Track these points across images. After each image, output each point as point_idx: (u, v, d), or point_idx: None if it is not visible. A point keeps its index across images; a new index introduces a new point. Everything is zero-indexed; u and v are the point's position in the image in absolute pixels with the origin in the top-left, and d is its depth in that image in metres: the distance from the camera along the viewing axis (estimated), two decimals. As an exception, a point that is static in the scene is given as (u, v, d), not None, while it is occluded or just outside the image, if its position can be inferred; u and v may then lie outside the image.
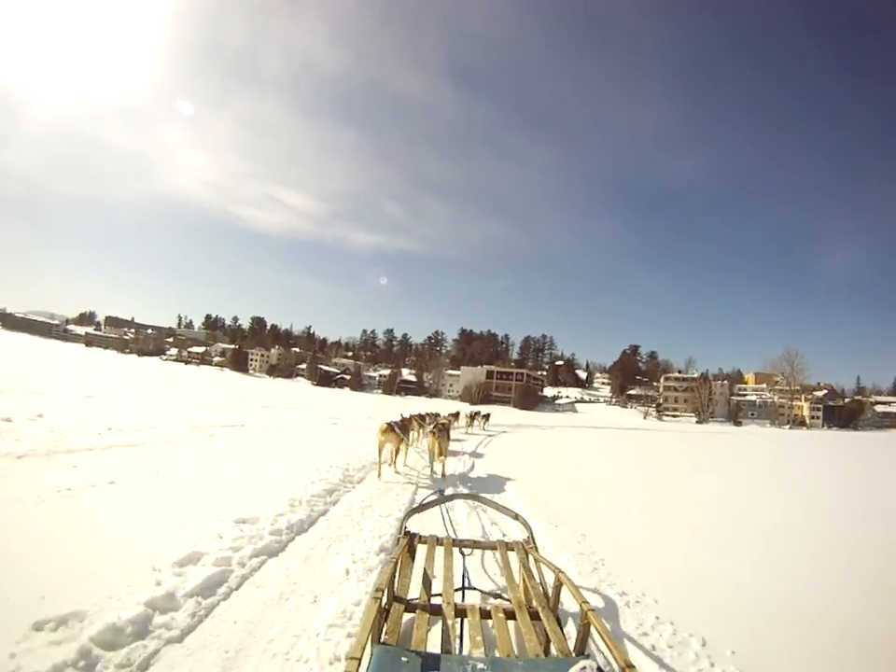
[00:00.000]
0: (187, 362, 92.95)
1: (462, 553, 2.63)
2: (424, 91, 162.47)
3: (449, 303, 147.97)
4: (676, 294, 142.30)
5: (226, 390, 27.58)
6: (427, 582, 2.15)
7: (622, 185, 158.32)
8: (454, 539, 2.72)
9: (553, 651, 1.69)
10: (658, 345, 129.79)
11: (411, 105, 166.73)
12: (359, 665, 1.21)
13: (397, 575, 2.10)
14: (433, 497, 3.15)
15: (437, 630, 1.86)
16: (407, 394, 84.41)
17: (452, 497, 3.30)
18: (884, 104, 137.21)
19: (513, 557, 2.56)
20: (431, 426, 7.40)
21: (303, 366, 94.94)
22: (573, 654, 1.61)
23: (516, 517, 2.87)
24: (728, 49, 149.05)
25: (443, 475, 6.65)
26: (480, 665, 1.41)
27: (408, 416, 8.08)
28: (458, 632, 1.86)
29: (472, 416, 18.94)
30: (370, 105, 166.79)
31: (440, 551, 2.56)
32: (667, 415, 75.74)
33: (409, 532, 2.64)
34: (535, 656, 1.65)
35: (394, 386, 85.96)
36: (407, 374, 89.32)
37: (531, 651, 1.69)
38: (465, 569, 2.49)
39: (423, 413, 10.68)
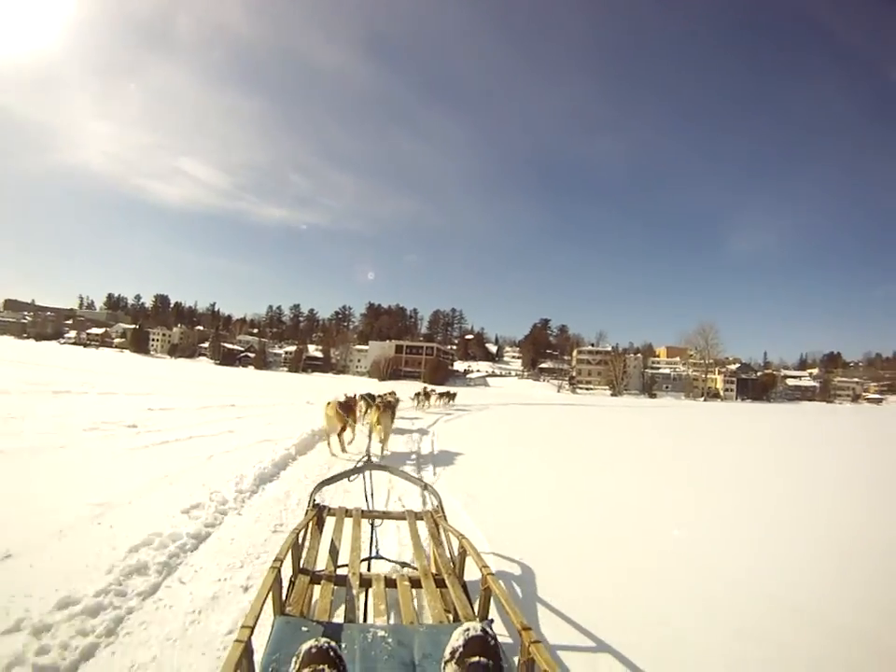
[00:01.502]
0: (85, 345, 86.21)
1: (371, 524, 2.61)
2: (337, 62, 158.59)
3: (357, 278, 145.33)
4: (587, 269, 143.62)
5: (110, 375, 20.80)
6: (333, 553, 2.16)
7: (535, 162, 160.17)
8: (363, 511, 2.73)
9: (460, 617, 1.68)
10: (569, 320, 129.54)
11: (323, 76, 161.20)
12: (251, 633, 1.18)
13: (305, 547, 2.15)
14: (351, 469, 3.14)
15: (342, 601, 1.85)
16: (313, 371, 79.08)
17: (361, 469, 3.11)
18: (794, 100, 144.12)
19: (423, 526, 2.60)
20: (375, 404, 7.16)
21: (206, 344, 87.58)
22: (476, 619, 1.63)
23: (425, 487, 2.93)
24: (647, 34, 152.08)
25: (384, 450, 6.59)
26: (381, 633, 1.42)
27: (352, 395, 7.51)
28: (364, 601, 1.88)
29: (428, 394, 17.59)
30: (281, 73, 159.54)
31: (350, 522, 2.58)
32: (581, 388, 73.42)
33: (317, 504, 2.63)
34: (439, 623, 1.65)
35: (300, 363, 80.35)
36: (313, 350, 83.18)
37: (436, 618, 1.70)
38: (373, 540, 2.50)
39: (373, 392, 9.62)
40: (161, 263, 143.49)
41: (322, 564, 2.09)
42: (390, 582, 1.99)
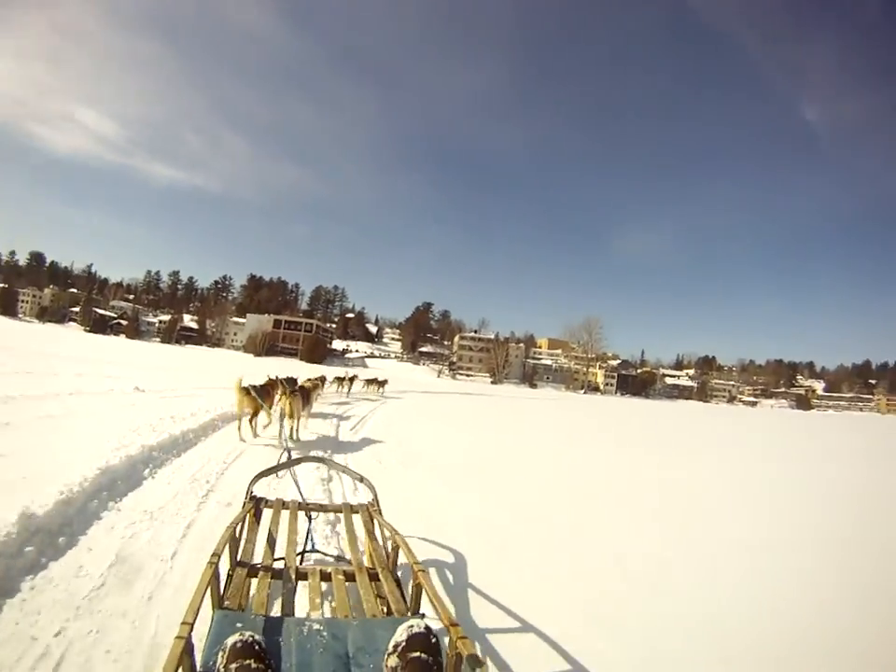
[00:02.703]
0: None
1: (308, 517, 2.61)
2: (247, 19, 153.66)
3: (240, 248, 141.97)
4: (472, 255, 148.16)
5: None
6: (270, 546, 2.15)
7: (430, 142, 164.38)
8: (299, 503, 2.73)
9: (393, 611, 1.72)
10: (451, 305, 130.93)
11: (232, 32, 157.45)
12: (191, 628, 1.19)
13: (242, 539, 2.16)
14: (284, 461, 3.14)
15: (278, 594, 1.88)
16: (187, 342, 74.67)
17: (299, 461, 3.14)
18: (692, 107, 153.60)
19: (358, 520, 2.61)
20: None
21: (77, 309, 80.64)
22: (408, 614, 1.67)
23: (361, 479, 2.85)
24: (558, 27, 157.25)
25: (294, 438, 6.54)
26: (316, 626, 1.43)
27: (273, 379, 7.35)
28: (300, 595, 1.90)
29: (351, 380, 16.92)
30: (189, 24, 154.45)
31: (286, 515, 2.57)
32: (461, 374, 73.78)
33: (255, 496, 2.62)
34: (372, 616, 1.67)
35: (173, 334, 75.69)
36: (189, 321, 78.46)
37: (369, 612, 1.71)
38: (309, 533, 2.52)
39: (293, 377, 8.78)
40: (39, 217, 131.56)
41: (259, 557, 2.09)
42: (325, 576, 2.00)
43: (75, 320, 79.49)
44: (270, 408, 6.82)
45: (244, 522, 2.25)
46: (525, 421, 17.05)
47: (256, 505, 2.56)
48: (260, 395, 6.44)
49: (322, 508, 2.87)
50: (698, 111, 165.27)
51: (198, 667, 1.23)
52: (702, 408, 60.38)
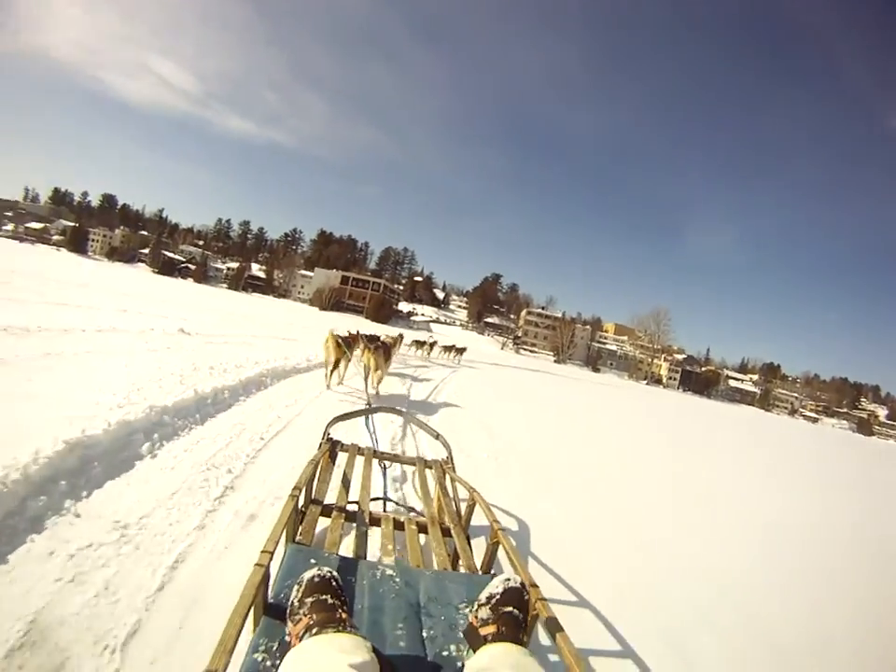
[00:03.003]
0: (21, 239, 77.76)
1: (382, 465, 2.69)
2: None
3: (312, 203, 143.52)
4: (544, 232, 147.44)
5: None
6: (344, 489, 2.16)
7: (507, 116, 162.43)
8: (374, 451, 2.75)
9: (461, 566, 1.73)
10: (520, 279, 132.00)
11: None
12: (271, 558, 1.19)
13: (316, 480, 2.13)
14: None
15: (350, 536, 1.96)
16: (254, 291, 75.05)
17: (377, 410, 3.23)
18: (778, 109, 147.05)
19: (432, 475, 2.58)
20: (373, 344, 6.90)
21: (147, 251, 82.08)
22: (479, 572, 1.66)
23: (437, 436, 2.86)
24: (643, 20, 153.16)
25: (377, 392, 6.50)
26: (389, 571, 1.43)
27: (355, 333, 7.35)
28: (372, 540, 1.91)
29: (431, 345, 16.64)
30: None
31: (360, 461, 2.59)
32: (525, 349, 71.64)
33: (331, 438, 2.63)
34: (443, 569, 1.65)
35: (240, 282, 76.12)
36: (256, 270, 78.59)
37: (439, 565, 1.71)
38: (384, 481, 2.56)
39: (376, 335, 8.51)
40: (114, 163, 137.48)
41: (332, 498, 2.08)
42: (398, 525, 2.02)
43: (143, 261, 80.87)
44: (349, 360, 6.78)
45: (320, 461, 2.16)
46: (608, 410, 14.69)
47: (332, 447, 2.55)
48: (348, 346, 6.49)
49: (396, 458, 2.83)
50: (787, 111, 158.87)
51: (269, 598, 1.20)
52: (763, 417, 56.76)
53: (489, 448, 4.78)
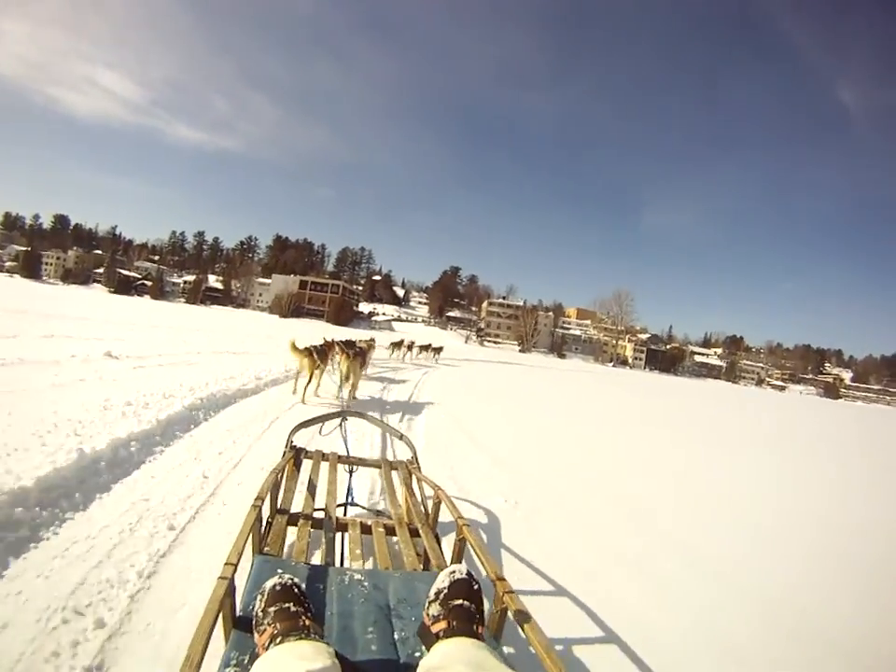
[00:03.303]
0: None
1: (347, 470, 2.59)
2: None
3: (266, 209, 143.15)
4: (500, 221, 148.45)
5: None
6: (310, 496, 2.15)
7: (457, 107, 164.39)
8: (339, 456, 2.74)
9: (433, 566, 1.72)
10: (479, 270, 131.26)
11: None
12: (235, 570, 1.18)
13: (282, 488, 2.13)
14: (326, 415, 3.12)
15: (318, 543, 1.89)
16: (213, 303, 73.88)
17: (339, 414, 3.09)
18: (729, 87, 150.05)
19: (397, 476, 2.60)
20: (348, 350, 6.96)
21: (102, 270, 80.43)
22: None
23: (401, 437, 2.86)
24: (601, 5, 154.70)
25: (352, 397, 6.56)
26: (357, 576, 1.43)
27: (330, 341, 7.47)
28: (340, 545, 1.91)
29: (410, 346, 17.05)
30: None
31: (325, 466, 2.58)
32: (489, 341, 72.06)
33: (294, 446, 2.63)
34: (412, 570, 1.68)
35: (198, 295, 74.96)
36: (214, 282, 77.56)
37: (409, 566, 1.72)
38: (349, 486, 2.48)
39: (351, 340, 9.26)
40: (64, 181, 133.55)
41: (298, 506, 2.08)
42: (365, 528, 2.01)
43: (99, 281, 79.20)
44: (324, 369, 6.68)
45: (284, 470, 2.20)
46: (588, 400, 14.41)
47: (296, 455, 2.55)
48: (320, 356, 6.37)
49: (361, 462, 2.81)
50: (733, 87, 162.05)
51: (237, 610, 1.21)
52: (734, 390, 58.20)
53: (499, 482, 3.91)
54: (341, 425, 2.98)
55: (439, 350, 19.28)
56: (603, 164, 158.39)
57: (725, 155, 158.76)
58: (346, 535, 1.95)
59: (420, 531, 1.92)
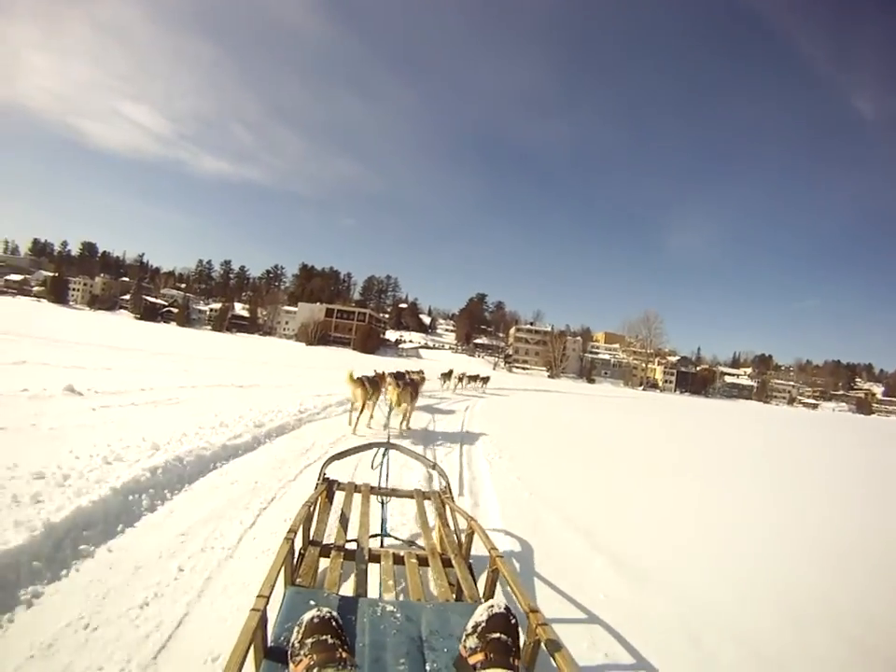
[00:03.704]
0: (2, 292, 77.50)
1: (380, 501, 2.58)
2: (296, 15, 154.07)
3: (292, 238, 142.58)
4: (525, 248, 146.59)
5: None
6: (342, 528, 2.16)
7: (480, 138, 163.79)
8: (371, 487, 2.72)
9: (465, 597, 1.69)
10: (505, 297, 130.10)
11: (280, 28, 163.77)
12: (267, 602, 1.20)
13: (314, 520, 2.15)
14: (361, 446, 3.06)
15: (350, 574, 1.91)
16: (238, 330, 74.11)
17: (371, 446, 3.03)
18: (745, 106, 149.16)
19: (430, 506, 2.59)
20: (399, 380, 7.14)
21: (128, 297, 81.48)
22: (482, 600, 1.66)
23: (433, 467, 2.87)
24: (602, 25, 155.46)
25: (406, 428, 6.57)
26: (389, 608, 1.43)
27: (381, 372, 7.56)
28: (373, 576, 1.88)
29: (461, 377, 18.08)
30: (237, 19, 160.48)
31: (358, 498, 2.56)
32: (517, 367, 70.99)
33: (327, 478, 2.63)
34: (445, 601, 1.66)
35: (224, 322, 75.25)
36: (240, 309, 77.73)
37: (441, 597, 1.71)
38: (383, 517, 2.47)
39: (402, 372, 9.27)
40: (92, 210, 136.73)
41: (331, 538, 2.11)
42: (398, 559, 2.02)
43: (125, 308, 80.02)
44: (376, 400, 6.73)
45: (317, 502, 2.22)
46: (652, 433, 12.71)
47: (328, 487, 2.56)
48: (372, 386, 6.34)
49: (394, 492, 2.76)
50: (749, 103, 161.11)
51: (269, 641, 1.22)
52: (772, 410, 56.57)
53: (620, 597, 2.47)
54: (384, 455, 2.92)
55: (486, 380, 20.12)
56: (623, 186, 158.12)
57: (745, 172, 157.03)
58: (379, 566, 1.94)
59: (453, 561, 1.90)
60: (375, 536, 2.32)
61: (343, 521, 2.21)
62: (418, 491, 2.77)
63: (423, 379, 9.86)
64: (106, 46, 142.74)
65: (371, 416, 6.47)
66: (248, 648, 1.03)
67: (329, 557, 1.90)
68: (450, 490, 2.64)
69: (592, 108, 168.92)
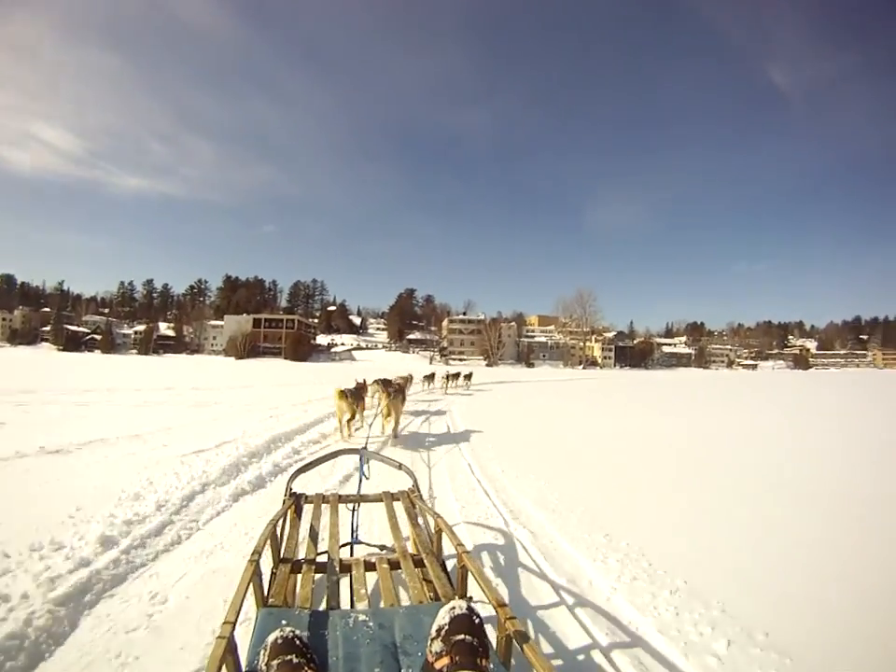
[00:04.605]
0: None
1: (352, 509, 2.60)
2: (200, 18, 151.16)
3: (214, 250, 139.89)
4: (450, 239, 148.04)
5: None
6: (313, 541, 2.15)
7: (397, 132, 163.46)
8: (339, 496, 2.73)
9: (440, 594, 1.70)
10: (434, 290, 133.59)
11: (185, 33, 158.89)
12: (233, 628, 1.19)
13: (285, 537, 2.14)
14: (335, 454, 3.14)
15: (322, 587, 1.87)
16: (165, 351, 71.82)
17: (336, 455, 3.10)
18: (664, 82, 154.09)
19: (399, 507, 2.57)
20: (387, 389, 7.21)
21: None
22: (455, 597, 1.64)
23: (400, 467, 2.83)
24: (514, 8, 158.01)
25: (395, 435, 6.57)
26: (362, 618, 1.43)
27: (362, 381, 7.91)
28: (345, 587, 1.87)
29: (447, 377, 18.19)
30: (141, 27, 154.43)
31: (327, 508, 2.56)
32: (454, 359, 71.33)
33: (294, 493, 2.58)
34: (419, 603, 1.65)
35: (150, 344, 72.63)
36: (165, 329, 75.25)
37: (416, 598, 1.70)
38: (353, 524, 2.50)
39: (387, 378, 9.00)
40: (5, 240, 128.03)
41: (302, 552, 2.07)
42: (369, 566, 1.99)
43: (47, 340, 76.20)
44: (363, 410, 6.95)
45: (284, 518, 2.20)
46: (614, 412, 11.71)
47: (296, 501, 2.50)
48: (355, 398, 6.53)
49: (362, 498, 2.72)
50: (666, 79, 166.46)
51: (243, 667, 1.22)
52: (714, 375, 57.92)
53: None
54: (364, 462, 2.97)
55: (469, 377, 20.41)
56: (547, 169, 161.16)
57: (667, 144, 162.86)
58: (351, 575, 1.91)
59: (425, 561, 1.92)
60: (346, 545, 2.33)
61: (313, 534, 2.18)
62: (386, 493, 2.74)
63: (407, 383, 10.44)
64: (9, 65, 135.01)
65: (361, 425, 6.78)
66: None
67: (301, 573, 1.87)
68: (418, 489, 2.65)
69: (511, 94, 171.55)
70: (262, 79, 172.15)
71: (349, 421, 6.44)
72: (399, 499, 2.65)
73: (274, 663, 1.06)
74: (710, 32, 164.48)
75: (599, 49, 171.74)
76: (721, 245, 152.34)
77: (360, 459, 3.00)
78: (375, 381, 7.83)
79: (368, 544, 2.52)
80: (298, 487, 2.67)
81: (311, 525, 2.28)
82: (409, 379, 11.33)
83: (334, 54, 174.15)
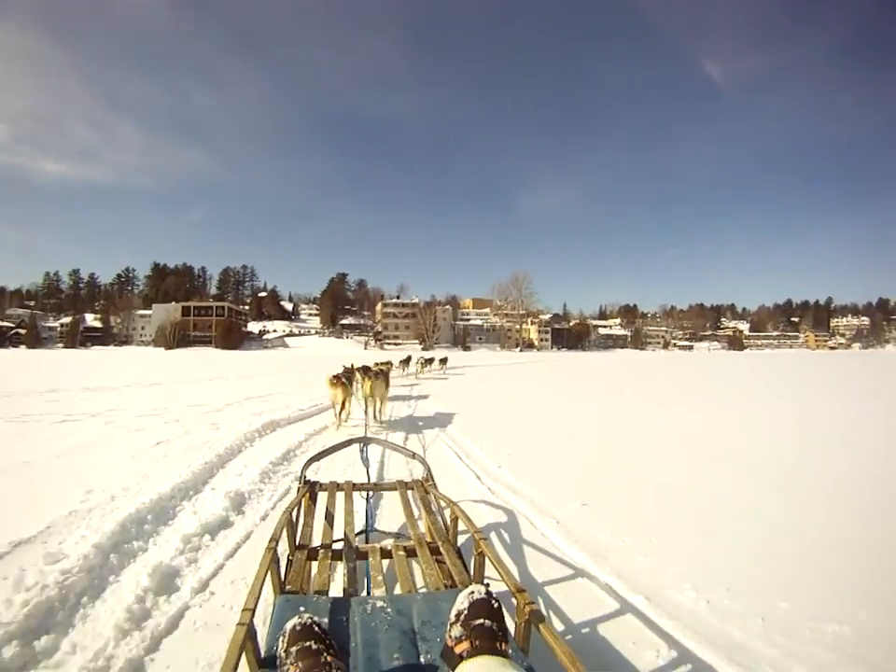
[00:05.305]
0: None
1: (365, 498, 2.70)
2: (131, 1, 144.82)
3: (141, 238, 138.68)
4: (382, 224, 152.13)
5: None
6: (329, 528, 2.16)
7: (330, 118, 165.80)
8: (354, 484, 2.73)
9: (457, 582, 1.69)
10: (367, 274, 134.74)
11: (112, 9, 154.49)
12: (253, 614, 1.21)
13: (300, 524, 2.17)
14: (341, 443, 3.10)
15: (339, 574, 1.96)
16: (93, 343, 69.97)
17: (349, 443, 3.06)
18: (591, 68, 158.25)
19: (413, 496, 2.62)
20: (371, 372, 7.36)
21: (-31, 325, 74.27)
22: (472, 583, 1.60)
23: (413, 456, 2.91)
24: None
25: (378, 419, 6.77)
26: (380, 604, 1.43)
27: (350, 367, 7.89)
28: (362, 574, 1.88)
29: (424, 362, 18.64)
30: (66, 8, 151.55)
31: (342, 496, 2.56)
32: (389, 344, 72.58)
33: (308, 480, 2.61)
34: (436, 590, 1.66)
35: (76, 337, 70.58)
36: (92, 321, 73.45)
37: (432, 586, 1.70)
38: (368, 512, 2.56)
39: (367, 365, 9.00)
40: None
41: (318, 540, 2.07)
42: (386, 553, 2.00)
43: (-32, 338, 73.14)
44: (351, 395, 6.91)
45: (299, 506, 2.26)
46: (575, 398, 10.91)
47: (310, 489, 2.54)
48: (348, 383, 6.57)
49: (376, 486, 2.83)
50: (598, 67, 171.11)
51: (262, 653, 1.23)
52: (654, 356, 60.03)
53: None
54: (362, 450, 3.06)
55: (444, 361, 21.22)
56: (479, 153, 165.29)
57: (600, 130, 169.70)
58: (368, 562, 1.94)
59: (441, 548, 1.94)
60: (362, 532, 2.37)
61: (329, 521, 2.20)
62: (400, 482, 2.77)
63: (390, 368, 10.82)
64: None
65: (349, 413, 6.50)
66: (237, 663, 1.04)
67: (317, 560, 1.88)
68: (431, 477, 2.68)
69: (443, 80, 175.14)
70: (193, 62, 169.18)
71: (342, 408, 6.35)
72: (412, 488, 2.67)
73: (293, 649, 1.06)
74: (645, 21, 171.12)
75: (530, 36, 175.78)
76: (653, 230, 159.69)
77: (365, 448, 3.06)
78: (357, 369, 7.86)
79: (383, 532, 2.57)
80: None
81: (327, 511, 2.30)
82: (390, 365, 11.77)
83: (265, 39, 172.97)
